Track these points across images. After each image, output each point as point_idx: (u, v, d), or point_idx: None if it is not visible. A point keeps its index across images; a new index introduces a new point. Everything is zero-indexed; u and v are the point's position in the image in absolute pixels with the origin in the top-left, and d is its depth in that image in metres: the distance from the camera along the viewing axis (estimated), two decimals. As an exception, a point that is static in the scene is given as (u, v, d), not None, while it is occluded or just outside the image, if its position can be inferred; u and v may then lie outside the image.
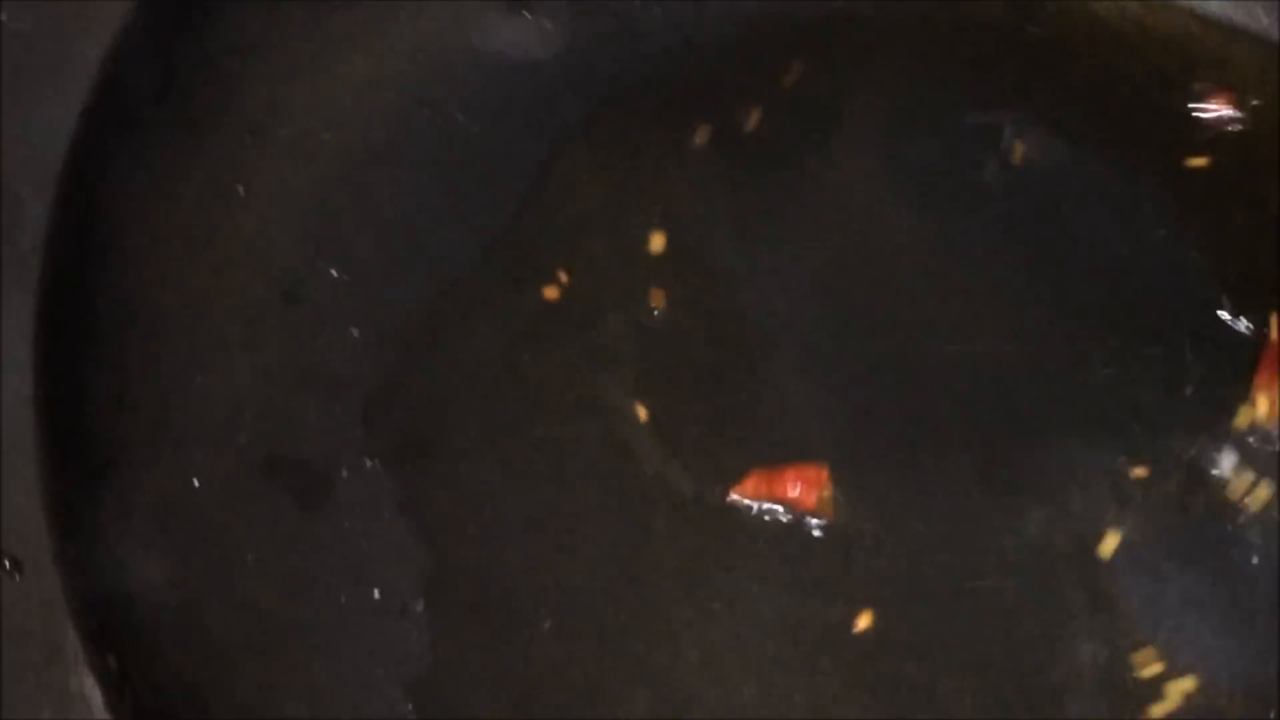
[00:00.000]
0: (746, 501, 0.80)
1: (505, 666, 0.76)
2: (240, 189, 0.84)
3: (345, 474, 0.80)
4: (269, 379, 0.81)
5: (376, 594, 0.77)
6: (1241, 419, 0.81)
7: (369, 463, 0.80)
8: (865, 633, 0.77)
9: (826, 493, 0.80)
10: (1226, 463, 0.81)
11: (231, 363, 0.81)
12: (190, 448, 0.79)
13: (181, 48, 0.82)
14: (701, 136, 0.88)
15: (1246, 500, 0.80)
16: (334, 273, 0.84)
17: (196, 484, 0.78)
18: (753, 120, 0.88)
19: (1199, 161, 0.88)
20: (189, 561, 0.77)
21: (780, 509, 0.80)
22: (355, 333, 0.83)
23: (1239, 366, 0.82)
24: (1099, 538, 0.79)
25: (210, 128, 0.84)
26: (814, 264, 0.85)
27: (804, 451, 0.81)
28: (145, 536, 0.76)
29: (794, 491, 0.80)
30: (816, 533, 0.79)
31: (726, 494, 0.80)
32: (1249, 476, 0.80)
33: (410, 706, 0.75)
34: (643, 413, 0.81)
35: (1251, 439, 0.81)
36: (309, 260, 0.84)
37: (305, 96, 0.87)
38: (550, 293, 0.84)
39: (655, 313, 0.84)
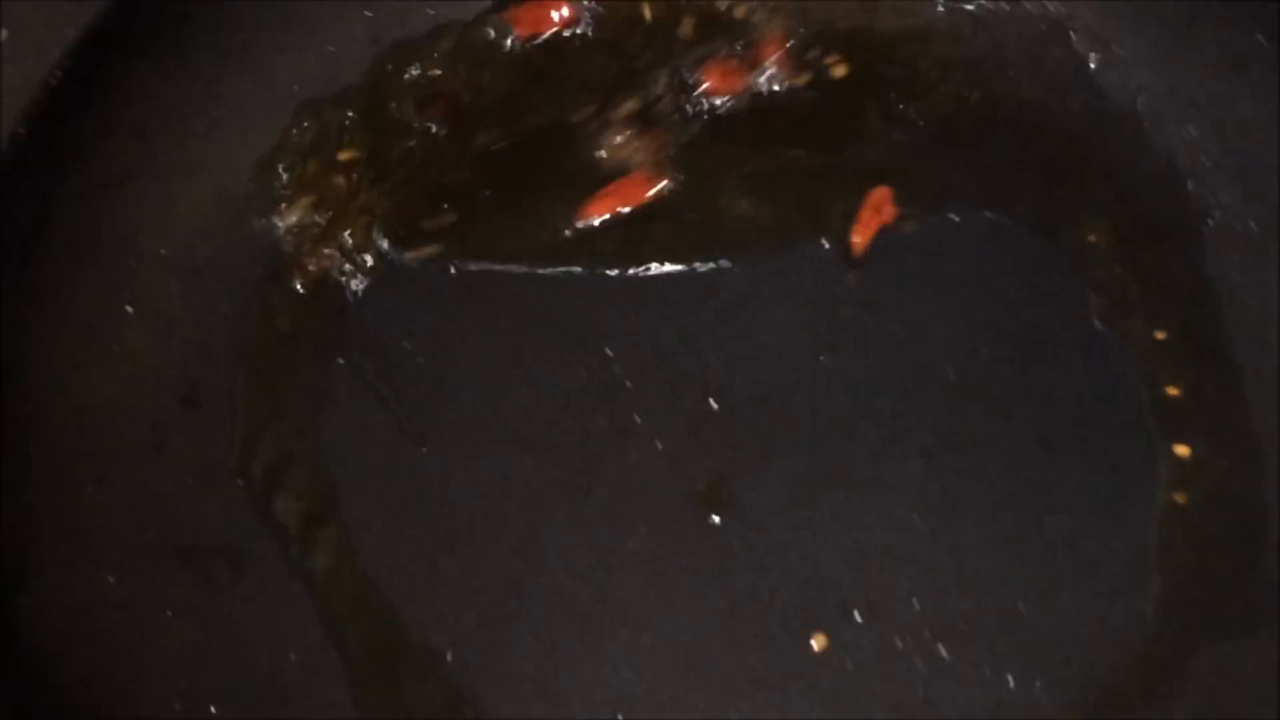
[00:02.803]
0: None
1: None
2: (129, 309, 0.89)
3: (253, 552, 0.84)
4: (174, 477, 0.86)
5: (293, 657, 0.82)
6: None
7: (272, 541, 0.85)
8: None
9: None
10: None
11: (137, 467, 0.86)
12: (104, 548, 0.83)
13: (55, 184, 0.88)
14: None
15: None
16: (224, 374, 0.89)
17: (112, 581, 0.83)
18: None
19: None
20: (110, 652, 0.81)
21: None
22: (247, 425, 0.88)
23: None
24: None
25: (92, 256, 0.89)
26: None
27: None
28: (64, 633, 0.80)
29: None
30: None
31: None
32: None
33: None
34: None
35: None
36: (201, 365, 0.89)
37: (180, 219, 0.92)
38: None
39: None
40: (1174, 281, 0.90)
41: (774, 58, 0.95)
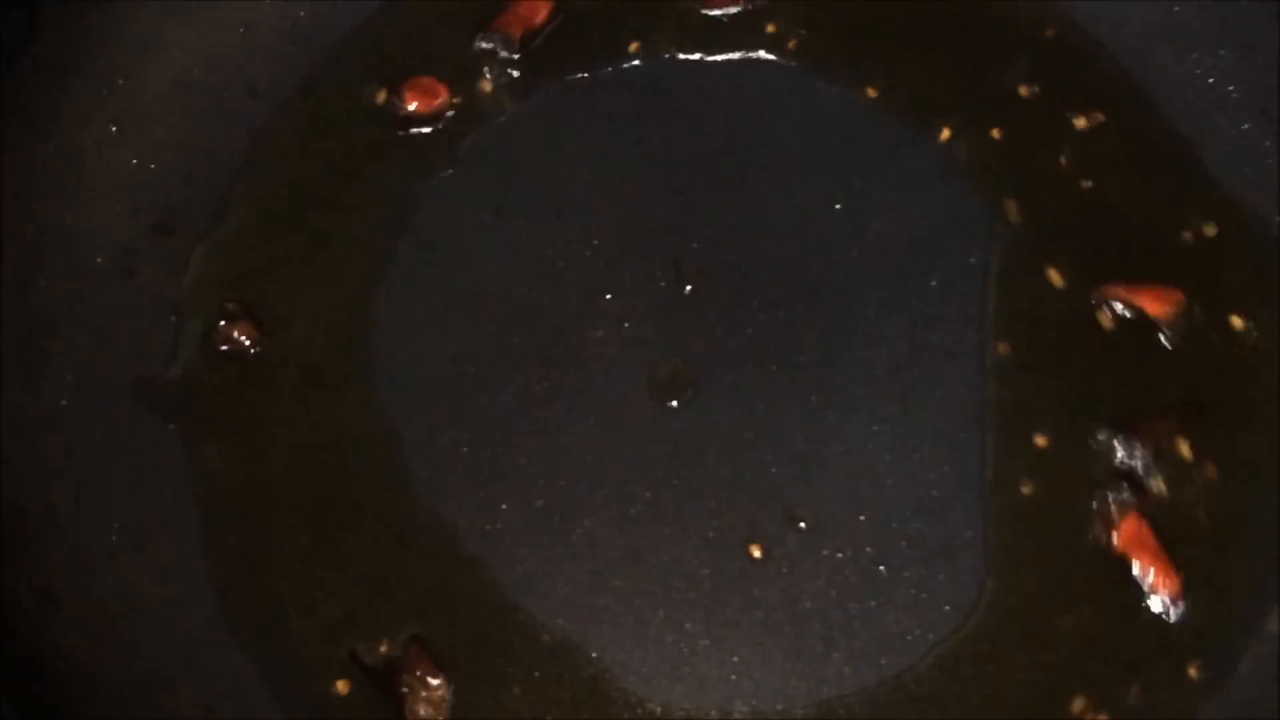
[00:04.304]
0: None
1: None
2: (113, 128, 0.88)
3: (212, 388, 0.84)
4: (138, 306, 0.86)
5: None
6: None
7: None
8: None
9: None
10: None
11: (103, 291, 0.86)
12: (60, 371, 0.83)
13: (46, -3, 0.87)
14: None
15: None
16: (205, 202, 0.88)
17: (64, 403, 0.83)
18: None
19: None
20: (51, 475, 0.81)
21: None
22: (220, 261, 0.87)
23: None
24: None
25: (80, 69, 0.88)
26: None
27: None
28: (7, 451, 0.80)
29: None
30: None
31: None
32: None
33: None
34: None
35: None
36: (180, 193, 0.88)
37: (178, 39, 0.90)
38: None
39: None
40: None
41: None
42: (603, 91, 0.91)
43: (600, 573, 0.80)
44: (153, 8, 0.90)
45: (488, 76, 0.91)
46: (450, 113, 0.90)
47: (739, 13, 0.93)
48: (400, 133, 0.90)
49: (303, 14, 0.93)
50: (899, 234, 0.87)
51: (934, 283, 0.86)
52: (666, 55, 0.92)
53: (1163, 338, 0.84)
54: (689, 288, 0.85)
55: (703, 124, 0.90)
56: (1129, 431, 0.82)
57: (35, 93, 0.86)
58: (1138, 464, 0.81)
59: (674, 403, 0.83)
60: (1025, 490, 0.81)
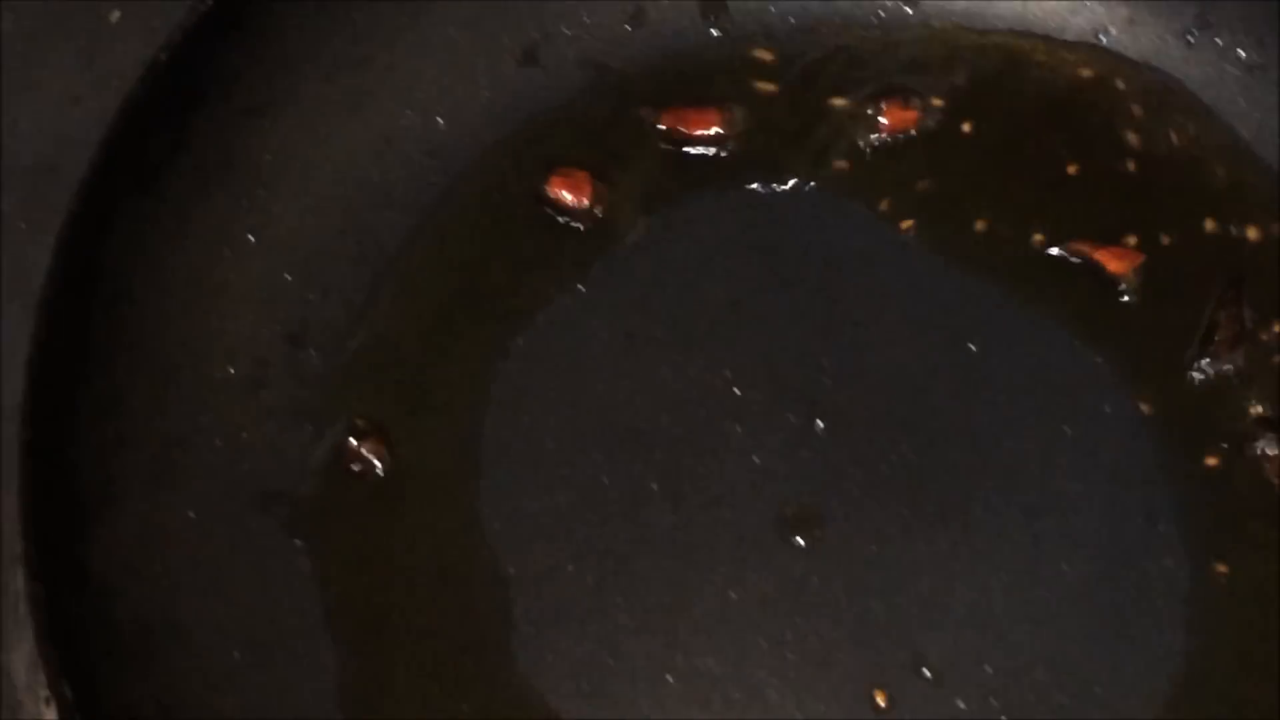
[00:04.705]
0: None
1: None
2: (251, 238, 0.89)
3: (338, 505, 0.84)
4: (269, 419, 0.86)
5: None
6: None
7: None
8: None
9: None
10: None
11: (235, 403, 0.86)
12: (188, 483, 0.84)
13: (196, 110, 0.87)
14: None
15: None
16: (338, 315, 0.88)
17: (192, 516, 0.83)
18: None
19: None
20: (177, 590, 0.81)
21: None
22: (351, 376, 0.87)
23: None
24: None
25: (221, 182, 0.88)
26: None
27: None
28: (135, 566, 0.81)
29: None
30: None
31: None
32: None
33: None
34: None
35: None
36: (315, 305, 0.88)
37: (318, 152, 0.91)
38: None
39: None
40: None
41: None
42: (750, 216, 0.91)
43: (718, 712, 0.79)
44: (293, 120, 0.90)
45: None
46: (596, 211, 0.90)
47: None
48: (542, 235, 0.90)
49: (443, 125, 0.93)
50: (1034, 378, 0.86)
51: (1068, 429, 0.84)
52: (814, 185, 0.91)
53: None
54: (820, 424, 0.85)
55: (843, 257, 0.89)
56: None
57: (177, 204, 0.87)
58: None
59: (800, 540, 0.83)
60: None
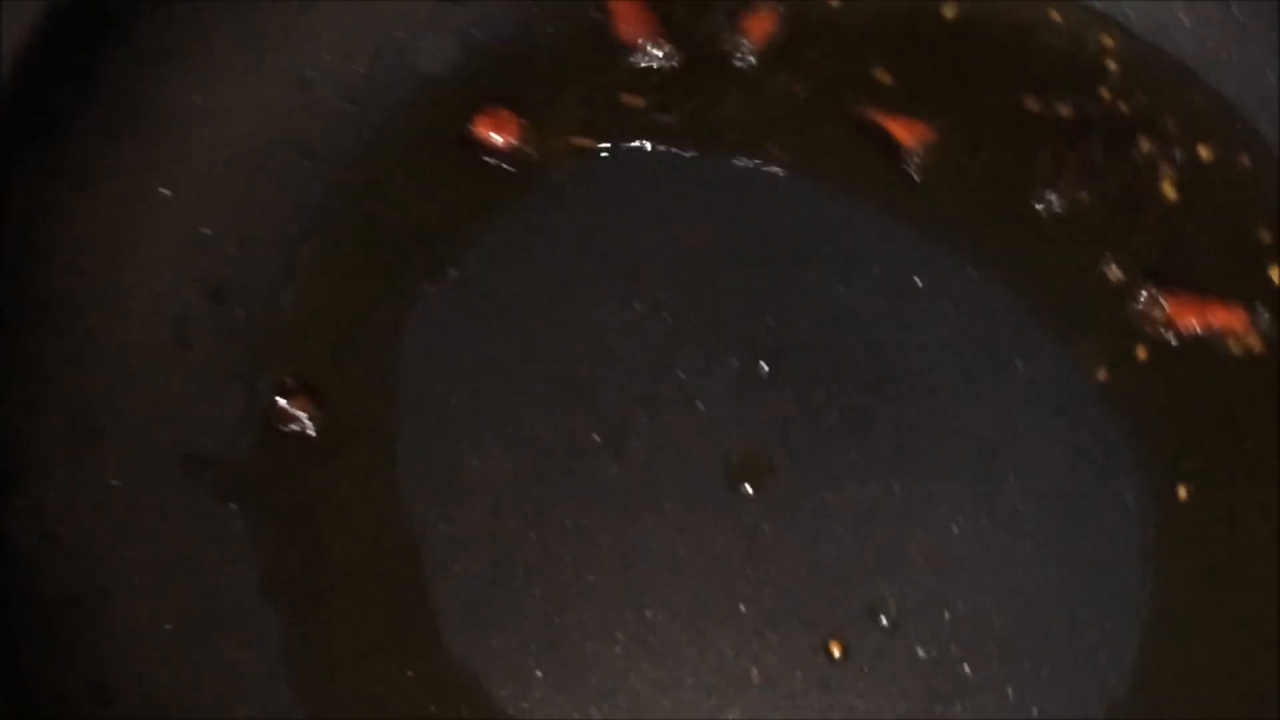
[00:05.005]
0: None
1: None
2: (165, 191, 0.85)
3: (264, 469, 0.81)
4: (193, 378, 0.82)
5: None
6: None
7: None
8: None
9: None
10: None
11: (156, 364, 0.82)
12: (110, 448, 0.80)
13: (98, 56, 0.83)
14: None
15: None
16: (262, 269, 0.84)
17: (115, 483, 0.79)
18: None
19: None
20: (103, 559, 0.77)
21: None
22: (278, 332, 0.83)
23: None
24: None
25: (131, 131, 0.84)
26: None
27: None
28: (57, 536, 0.77)
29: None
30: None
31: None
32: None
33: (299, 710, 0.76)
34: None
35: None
36: (235, 259, 0.85)
37: (232, 99, 0.87)
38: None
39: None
40: None
41: None
42: (684, 158, 0.88)
43: (670, 669, 0.77)
44: (203, 66, 0.86)
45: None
46: (525, 151, 0.87)
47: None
48: (467, 181, 0.87)
49: (361, 69, 0.89)
50: (986, 312, 0.83)
51: (1020, 364, 0.82)
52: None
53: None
54: (764, 367, 0.82)
55: (782, 199, 0.86)
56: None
57: (85, 157, 0.82)
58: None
59: (749, 488, 0.80)
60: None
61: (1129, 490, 0.80)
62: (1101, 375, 0.82)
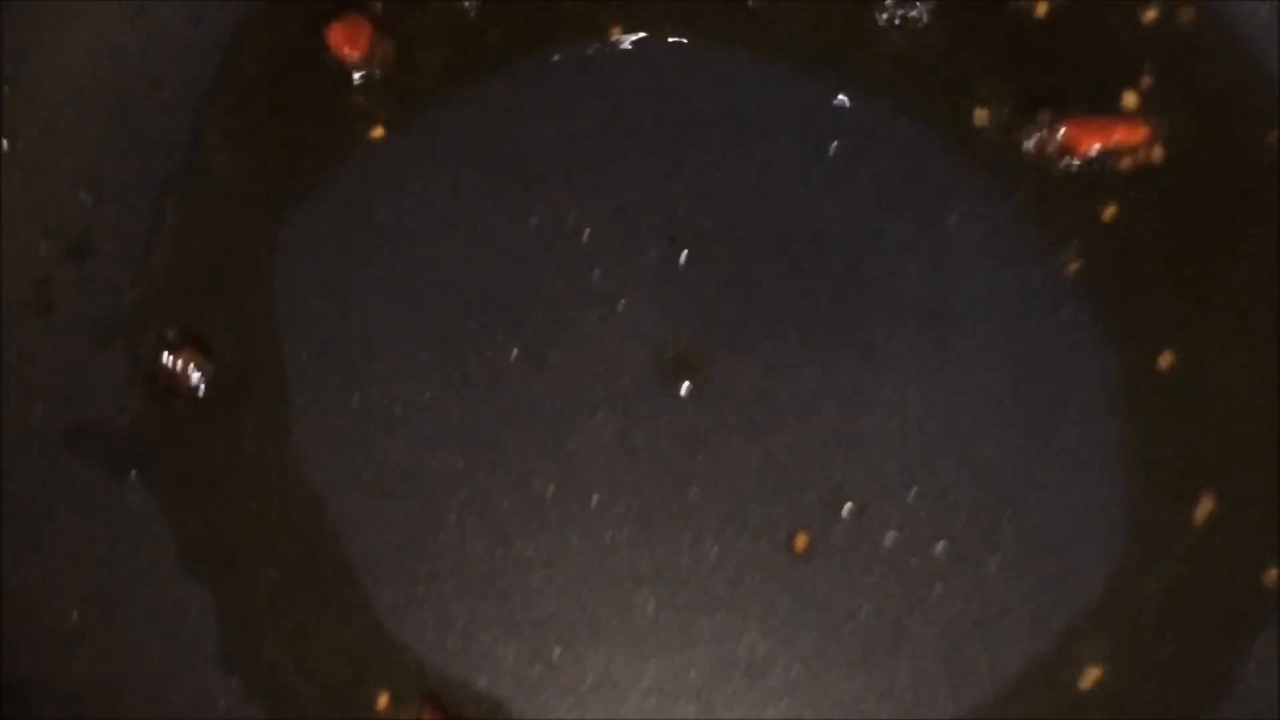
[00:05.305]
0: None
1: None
2: (4, 144, 0.77)
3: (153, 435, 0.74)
4: (65, 344, 0.75)
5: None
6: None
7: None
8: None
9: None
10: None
11: (18, 331, 0.75)
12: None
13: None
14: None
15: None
16: (123, 219, 0.77)
17: (-7, 464, 0.72)
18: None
19: None
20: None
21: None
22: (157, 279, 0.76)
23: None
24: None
25: (-40, 84, 0.77)
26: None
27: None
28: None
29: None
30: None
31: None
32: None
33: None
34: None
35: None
36: (92, 210, 0.77)
37: (66, 35, 0.79)
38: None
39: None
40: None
41: None
42: (552, 60, 0.81)
43: (628, 591, 0.72)
44: (31, 7, 0.79)
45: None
46: (385, 60, 0.80)
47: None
48: (331, 98, 0.79)
49: (201, -10, 0.82)
50: (909, 168, 0.78)
51: (952, 218, 0.77)
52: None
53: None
54: (685, 255, 0.76)
55: (671, 75, 0.80)
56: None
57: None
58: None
59: (686, 387, 0.75)
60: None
61: (1082, 335, 0.75)
62: (1033, 216, 0.77)
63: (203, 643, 0.70)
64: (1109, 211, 0.77)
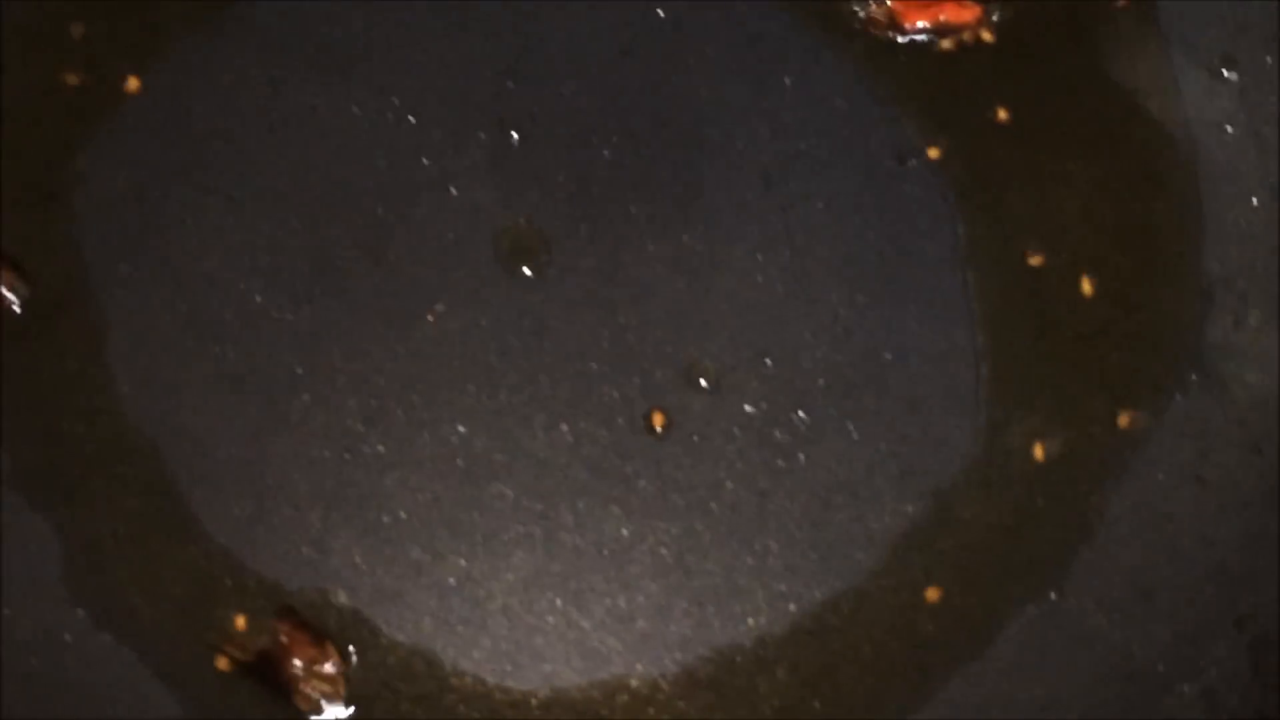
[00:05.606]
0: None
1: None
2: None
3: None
4: None
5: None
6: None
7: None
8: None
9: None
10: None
11: None
12: None
13: None
14: None
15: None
16: None
17: None
18: None
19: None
20: None
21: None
22: None
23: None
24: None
25: None
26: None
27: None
28: None
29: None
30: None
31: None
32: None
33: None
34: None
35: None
36: None
37: None
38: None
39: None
40: None
41: None
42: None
43: (485, 484, 0.69)
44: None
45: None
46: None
47: None
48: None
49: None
50: (740, 33, 0.76)
51: (788, 80, 0.75)
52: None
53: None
54: (515, 135, 0.73)
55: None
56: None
57: None
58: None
59: (527, 270, 0.72)
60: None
61: (925, 187, 0.73)
62: (867, 78, 0.75)
63: (46, 573, 0.67)
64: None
